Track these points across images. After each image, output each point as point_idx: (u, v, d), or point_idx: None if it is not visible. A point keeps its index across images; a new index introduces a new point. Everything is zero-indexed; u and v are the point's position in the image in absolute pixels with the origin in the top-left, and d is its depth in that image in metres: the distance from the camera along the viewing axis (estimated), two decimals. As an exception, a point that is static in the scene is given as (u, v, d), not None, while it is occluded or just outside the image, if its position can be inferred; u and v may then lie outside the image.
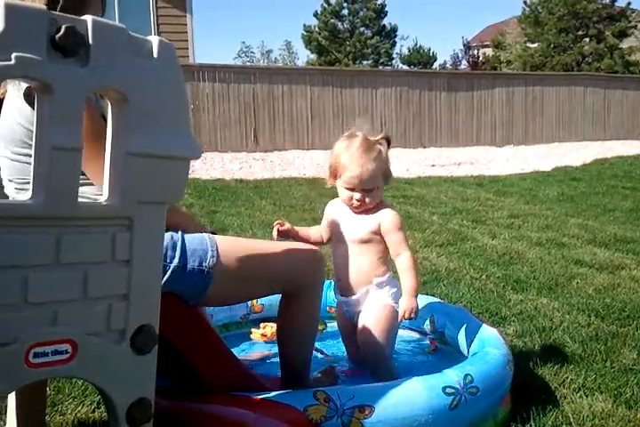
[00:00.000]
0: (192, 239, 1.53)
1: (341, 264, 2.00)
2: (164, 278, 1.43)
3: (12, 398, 1.59)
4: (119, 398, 1.17)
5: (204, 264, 1.50)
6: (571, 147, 12.82)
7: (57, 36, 1.00)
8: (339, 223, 2.02)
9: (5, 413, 1.66)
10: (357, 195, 1.92)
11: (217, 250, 1.53)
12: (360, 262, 1.96)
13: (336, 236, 2.04)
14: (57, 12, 1.03)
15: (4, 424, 1.64)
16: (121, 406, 1.18)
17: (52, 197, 1.02)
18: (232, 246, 1.59)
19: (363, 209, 1.96)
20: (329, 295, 2.46)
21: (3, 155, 1.46)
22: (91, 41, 1.05)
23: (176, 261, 1.47)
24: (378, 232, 1.94)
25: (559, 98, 14.06)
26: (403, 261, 1.92)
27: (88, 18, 1.06)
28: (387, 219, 1.94)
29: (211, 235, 1.58)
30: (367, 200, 1.93)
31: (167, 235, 1.48)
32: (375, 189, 1.93)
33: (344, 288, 2.00)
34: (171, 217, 1.43)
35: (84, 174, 1.40)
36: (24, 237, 1.01)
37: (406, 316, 1.87)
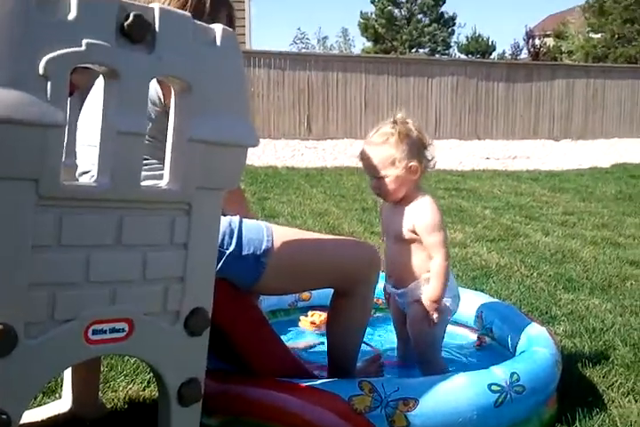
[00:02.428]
0: (249, 227, 1.54)
1: (390, 259, 1.98)
2: (219, 265, 1.45)
3: (67, 373, 1.66)
4: (171, 378, 1.21)
5: (258, 253, 1.51)
6: (632, 143, 12.41)
7: (125, 23, 1.03)
8: (383, 217, 2.02)
9: (61, 387, 1.73)
10: (371, 181, 1.90)
11: (272, 241, 1.54)
12: (407, 259, 1.91)
13: (384, 230, 2.03)
14: (126, 1, 1.06)
15: (60, 398, 1.71)
16: (172, 386, 1.21)
17: (116, 180, 1.06)
18: (288, 238, 1.58)
19: (389, 199, 1.92)
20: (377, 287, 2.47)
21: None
22: (157, 29, 1.07)
23: (232, 248, 1.49)
24: (415, 231, 1.87)
25: (621, 92, 13.62)
26: (433, 265, 1.86)
27: (155, 6, 1.08)
28: (420, 221, 1.86)
29: (269, 224, 1.59)
30: (381, 188, 1.88)
31: (226, 220, 1.50)
32: (385, 177, 1.85)
33: (395, 281, 1.99)
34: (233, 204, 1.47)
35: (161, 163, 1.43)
36: (89, 217, 1.05)
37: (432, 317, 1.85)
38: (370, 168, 1.88)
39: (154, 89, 1.43)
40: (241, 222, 1.54)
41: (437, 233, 1.86)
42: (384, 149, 1.84)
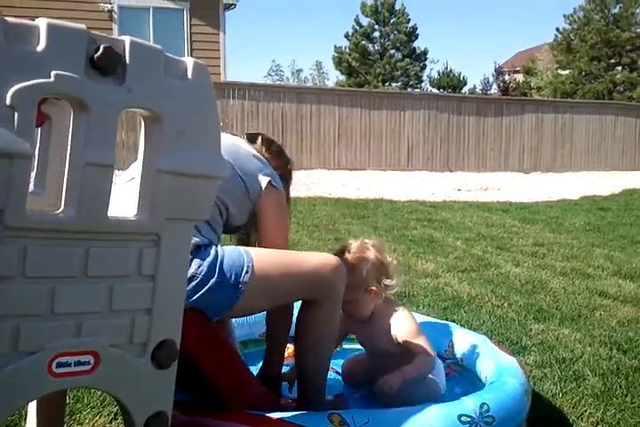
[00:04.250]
0: (230, 254, 1.56)
1: (376, 369, 2.00)
2: (201, 292, 1.48)
3: (32, 406, 1.61)
4: (137, 411, 1.19)
5: (238, 280, 1.53)
6: (599, 176, 12.69)
7: (95, 55, 1.04)
8: (359, 335, 2.11)
9: (25, 419, 1.69)
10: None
11: (252, 266, 1.56)
12: (395, 366, 1.93)
13: (362, 344, 2.12)
14: (96, 33, 1.07)
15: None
16: (139, 419, 1.19)
17: (82, 211, 1.05)
18: (266, 261, 1.61)
19: (357, 318, 2.01)
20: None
21: None
22: (127, 61, 1.08)
23: (215, 276, 1.51)
24: (399, 341, 1.95)
25: (589, 126, 13.96)
26: (417, 358, 1.91)
27: (126, 38, 1.09)
28: (401, 330, 1.95)
29: (246, 248, 1.62)
30: (349, 310, 1.96)
31: (212, 250, 1.54)
32: (351, 301, 1.90)
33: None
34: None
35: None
36: (54, 249, 1.04)
37: (384, 390, 1.85)
38: None
39: None
40: (223, 250, 1.56)
41: (419, 337, 1.95)
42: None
